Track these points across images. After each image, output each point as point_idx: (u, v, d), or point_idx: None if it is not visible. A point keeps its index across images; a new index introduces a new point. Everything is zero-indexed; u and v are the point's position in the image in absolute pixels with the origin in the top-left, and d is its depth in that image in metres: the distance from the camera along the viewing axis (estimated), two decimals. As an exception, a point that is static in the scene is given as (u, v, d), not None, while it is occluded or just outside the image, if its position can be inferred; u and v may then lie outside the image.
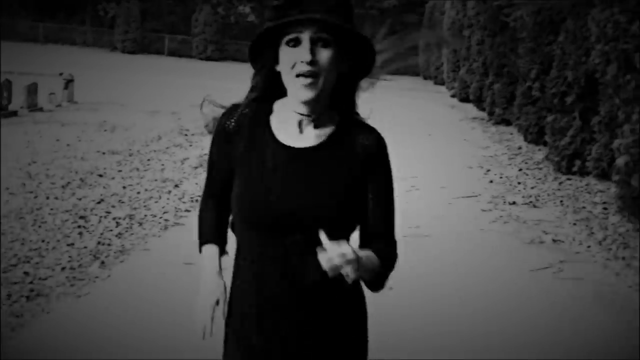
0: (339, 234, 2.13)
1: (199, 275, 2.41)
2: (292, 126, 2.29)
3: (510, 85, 19.14)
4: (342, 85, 2.29)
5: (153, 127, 15.66)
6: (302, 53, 2.18)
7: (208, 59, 59.88)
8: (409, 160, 12.00)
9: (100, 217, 7.80)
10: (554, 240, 7.92)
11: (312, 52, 2.18)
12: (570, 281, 6.56)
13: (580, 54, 11.73)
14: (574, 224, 8.70)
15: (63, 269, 6.06)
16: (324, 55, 2.19)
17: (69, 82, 20.30)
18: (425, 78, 47.10)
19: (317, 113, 2.27)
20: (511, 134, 17.58)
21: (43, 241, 6.78)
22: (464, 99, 26.84)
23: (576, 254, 7.46)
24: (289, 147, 2.28)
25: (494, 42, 20.64)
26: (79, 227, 7.37)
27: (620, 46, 8.41)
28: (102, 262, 6.32)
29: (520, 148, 15.28)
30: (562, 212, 9.32)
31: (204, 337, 2.33)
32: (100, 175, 10.12)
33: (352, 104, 2.35)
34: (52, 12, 60.66)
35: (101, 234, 7.16)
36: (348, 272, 2.03)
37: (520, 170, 12.54)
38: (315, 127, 2.28)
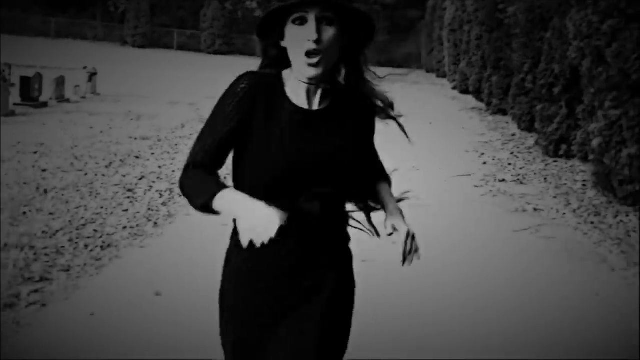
0: (349, 180, 2.51)
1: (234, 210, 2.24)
2: (300, 93, 2.49)
3: (506, 77, 20.32)
4: (344, 56, 2.51)
5: (175, 117, 16.94)
6: (309, 32, 2.36)
7: (216, 52, 60.91)
8: (411, 145, 13.24)
9: (145, 190, 9.10)
10: (535, 209, 9.23)
11: (318, 30, 2.37)
12: (545, 239, 7.85)
13: (564, 49, 12.95)
14: (554, 197, 10.00)
15: (124, 227, 7.36)
16: (329, 33, 2.39)
17: (92, 75, 21.60)
18: (428, 71, 48.21)
19: (322, 82, 2.49)
20: (507, 122, 18.79)
21: (102, 208, 8.07)
22: (464, 91, 28.07)
23: (552, 219, 8.76)
24: (304, 109, 2.48)
25: (491, 38, 21.81)
26: (129, 197, 8.67)
27: (594, 43, 9.68)
28: (155, 223, 7.63)
29: (513, 135, 16.55)
30: (545, 188, 10.61)
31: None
32: (137, 157, 11.41)
33: (358, 72, 2.56)
34: (64, 7, 61.62)
35: (149, 202, 8.45)
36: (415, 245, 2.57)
37: (512, 153, 13.83)
38: (320, 91, 2.51)
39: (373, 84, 2.59)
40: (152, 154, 11.85)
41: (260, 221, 2.14)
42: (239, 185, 2.43)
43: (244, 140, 2.43)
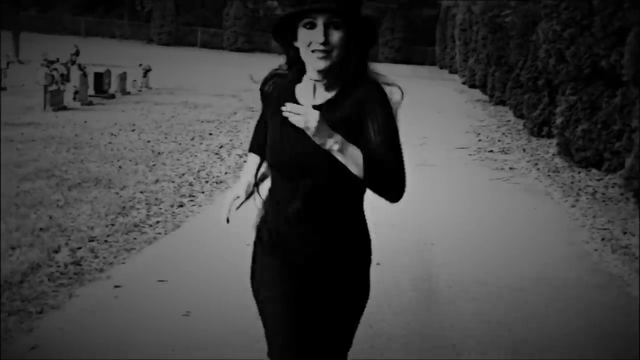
0: (340, 177, 2.74)
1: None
2: (308, 90, 2.84)
3: (507, 73, 23.60)
4: (350, 56, 2.76)
5: (225, 106, 20.35)
6: (317, 35, 2.67)
7: (238, 50, 63.75)
8: (423, 127, 16.64)
9: (228, 154, 12.49)
10: (510, 168, 12.60)
11: (326, 34, 2.67)
12: (513, 184, 11.24)
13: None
14: (528, 161, 13.38)
15: (226, 173, 10.74)
16: (336, 36, 2.68)
17: (147, 72, 24.98)
18: (441, 67, 51.30)
19: (328, 80, 2.79)
20: (505, 112, 22.10)
21: (204, 162, 11.47)
22: (472, 86, 31.36)
23: (522, 174, 12.15)
24: (302, 104, 2.75)
25: (494, 38, 25.07)
26: (218, 158, 12.05)
27: (557, 46, 13.01)
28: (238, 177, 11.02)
29: (509, 121, 19.89)
30: (523, 156, 13.98)
31: (227, 221, 2.98)
32: (210, 134, 14.81)
33: (363, 69, 2.82)
34: (93, 7, 64.76)
35: (235, 162, 11.81)
36: (310, 127, 2.61)
37: (503, 134, 17.20)
38: (326, 89, 2.81)
39: (376, 73, 2.88)
40: (220, 132, 15.25)
41: (233, 189, 3.08)
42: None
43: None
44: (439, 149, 14.39)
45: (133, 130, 14.59)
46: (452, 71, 44.00)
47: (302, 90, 2.87)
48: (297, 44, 2.76)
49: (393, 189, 2.74)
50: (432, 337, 5.19)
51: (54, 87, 17.91)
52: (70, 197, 8.59)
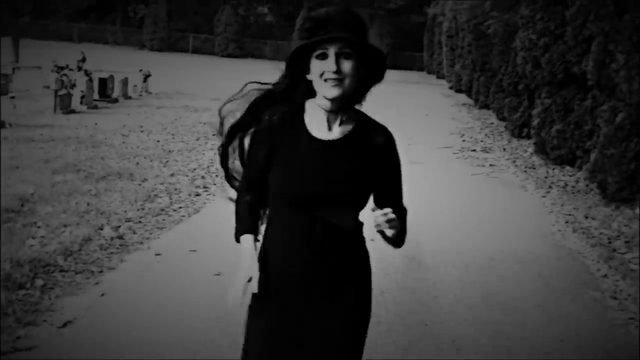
0: (352, 209, 2.87)
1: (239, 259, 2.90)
2: (321, 122, 2.88)
3: (491, 78, 24.85)
4: (363, 86, 2.88)
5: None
6: (329, 65, 2.76)
7: (229, 56, 64.92)
8: (411, 129, 17.86)
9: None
10: (490, 165, 13.83)
11: (337, 63, 2.76)
12: (491, 179, 12.45)
13: (522, 56, 17.51)
14: (507, 159, 14.60)
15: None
16: (347, 65, 2.78)
17: (147, 77, 26.11)
18: (429, 72, 52.66)
19: (341, 110, 2.86)
20: (489, 115, 23.33)
21: (211, 160, 12.62)
22: (458, 90, 32.67)
23: (500, 170, 13.35)
24: (319, 139, 2.86)
25: (478, 45, 26.31)
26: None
27: (533, 53, 14.24)
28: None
29: (492, 123, 21.12)
30: (502, 155, 15.21)
31: (238, 302, 2.85)
32: (213, 135, 15.93)
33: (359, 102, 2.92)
34: (86, 13, 65.69)
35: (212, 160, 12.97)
36: (388, 227, 2.72)
37: (485, 135, 18.43)
38: (341, 124, 2.88)
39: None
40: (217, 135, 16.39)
41: (242, 272, 2.86)
42: (269, 193, 2.92)
43: (272, 166, 2.87)
44: (426, 149, 15.58)
45: (142, 132, 15.74)
46: (440, 76, 45.31)
47: (314, 122, 2.90)
48: (309, 77, 2.84)
49: (403, 237, 2.93)
50: (417, 290, 6.37)
51: (63, 92, 19.03)
52: (100, 187, 9.74)
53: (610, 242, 8.38)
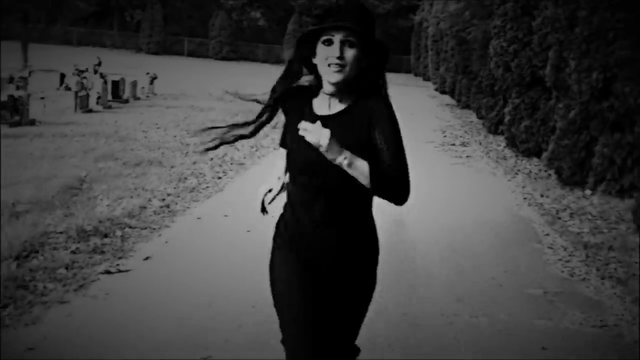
0: (350, 183, 3.08)
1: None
2: (324, 102, 3.20)
3: (472, 80, 26.87)
4: (364, 75, 3.15)
5: (226, 108, 23.43)
6: (334, 51, 3.02)
7: (223, 58, 66.88)
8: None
9: (242, 144, 15.61)
10: (467, 156, 15.85)
11: (341, 50, 3.02)
12: (467, 167, 14.46)
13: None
14: (482, 152, 16.63)
15: (244, 157, 13.86)
16: (350, 53, 3.03)
17: (153, 79, 28.05)
18: (416, 75, 54.78)
19: (341, 94, 3.14)
20: (470, 114, 25.38)
21: (225, 152, 14.57)
22: (443, 91, 34.72)
23: (475, 160, 15.37)
24: (317, 114, 3.17)
25: (460, 49, 28.33)
26: (235, 148, 15.14)
27: (504, 59, 16.27)
28: (258, 157, 14.13)
29: (471, 121, 23.17)
30: (478, 148, 17.24)
31: (264, 213, 3.44)
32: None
33: (376, 87, 3.19)
34: (84, 18, 67.42)
35: (249, 150, 14.93)
36: (322, 144, 2.92)
37: (465, 132, 20.47)
38: (340, 101, 3.17)
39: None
40: (230, 129, 18.35)
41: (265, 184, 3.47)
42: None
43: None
44: (410, 144, 17.37)
45: (158, 128, 17.69)
46: (426, 78, 47.39)
47: (319, 103, 3.21)
48: (315, 61, 3.12)
49: (398, 194, 3.10)
50: (400, 250, 8.34)
51: (83, 93, 20.97)
52: (137, 172, 11.69)
53: (557, 213, 10.39)
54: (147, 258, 7.07)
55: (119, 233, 7.76)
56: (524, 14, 16.19)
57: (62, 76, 28.17)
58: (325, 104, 3.18)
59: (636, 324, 5.96)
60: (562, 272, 7.50)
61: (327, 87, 3.13)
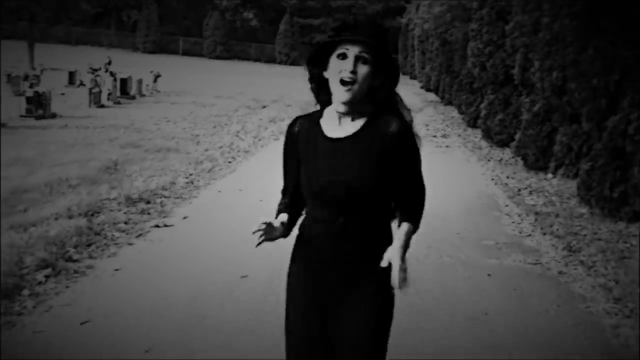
0: (369, 203, 3.06)
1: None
2: (334, 122, 3.11)
3: (454, 78, 28.79)
4: (376, 93, 3.07)
5: (227, 105, 25.33)
6: (347, 64, 2.98)
7: (217, 57, 68.71)
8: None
9: (245, 135, 17.47)
10: (447, 146, 17.75)
11: (355, 65, 2.98)
12: (446, 154, 16.35)
13: (476, 61, 21.44)
14: (460, 143, 18.54)
15: (249, 146, 15.72)
16: (363, 70, 2.99)
17: (157, 77, 29.86)
18: (403, 74, 56.12)
19: (353, 113, 3.07)
20: (452, 110, 27.27)
21: (233, 141, 16.41)
22: (428, 89, 36.68)
23: (453, 150, 17.28)
24: (330, 138, 3.10)
25: (443, 50, 30.27)
26: (239, 138, 17.01)
27: (480, 59, 18.18)
28: (260, 145, 15.99)
29: (453, 117, 25.07)
30: (457, 139, 19.15)
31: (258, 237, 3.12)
32: (226, 124, 19.78)
33: (388, 104, 3.10)
34: (83, 18, 68.94)
35: (252, 140, 16.78)
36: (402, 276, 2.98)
37: (446, 125, 22.38)
38: (352, 120, 3.09)
39: (403, 104, 3.17)
40: (232, 122, 20.24)
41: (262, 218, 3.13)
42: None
43: (300, 165, 3.19)
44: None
45: (168, 121, 19.54)
46: (413, 77, 49.23)
47: (327, 122, 3.14)
48: (326, 75, 3.07)
49: (419, 216, 3.27)
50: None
51: (96, 90, 22.81)
52: (159, 157, 13.54)
53: (519, 191, 12.29)
54: (185, 217, 8.94)
55: (158, 200, 9.64)
56: (498, 19, 18.10)
57: (71, 74, 29.99)
58: (334, 123, 3.12)
59: (562, 262, 7.87)
60: (513, 230, 9.40)
61: (338, 107, 3.08)
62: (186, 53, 70.15)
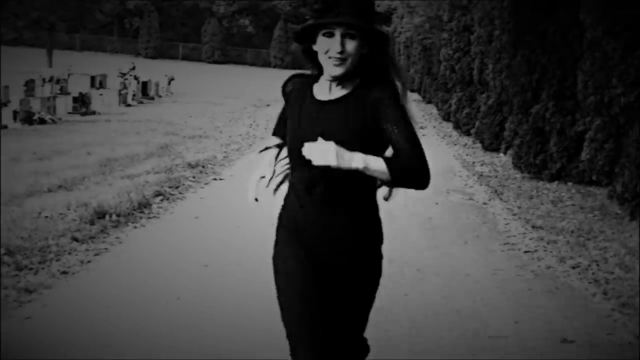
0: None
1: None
2: (324, 88, 3.16)
3: (434, 80, 32.64)
4: (365, 60, 3.08)
5: (234, 103, 29.14)
6: (335, 44, 2.98)
7: (215, 62, 72.19)
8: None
9: (257, 127, 21.25)
10: (423, 135, 21.26)
11: (342, 43, 2.98)
12: (422, 141, 20.12)
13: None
14: (434, 133, 22.36)
15: (255, 138, 19.56)
16: (351, 45, 3.00)
17: (171, 80, 33.66)
18: (391, 77, 60.15)
19: (343, 81, 3.10)
20: (432, 108, 31.10)
21: (247, 132, 20.18)
22: (412, 90, 40.44)
23: (428, 138, 21.10)
24: (318, 100, 3.16)
25: (425, 54, 34.15)
26: (252, 129, 20.77)
27: (450, 63, 22.06)
28: (262, 138, 19.80)
29: (432, 113, 28.92)
30: (432, 131, 22.99)
31: (256, 200, 3.33)
32: (238, 119, 23.54)
33: (381, 72, 3.11)
34: (87, 25, 72.23)
35: (264, 130, 20.57)
36: (330, 162, 2.88)
37: (425, 120, 26.23)
38: (342, 87, 3.12)
39: (397, 68, 3.16)
40: (243, 117, 24.03)
41: (256, 171, 3.45)
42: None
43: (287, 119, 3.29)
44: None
45: (190, 117, 23.33)
46: (398, 79, 52.63)
47: (319, 88, 3.19)
48: (315, 48, 3.08)
49: (419, 179, 3.12)
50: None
51: (124, 91, 26.64)
52: (194, 141, 17.31)
53: (473, 164, 16.11)
54: (231, 175, 12.76)
55: (209, 166, 13.44)
56: (464, 30, 21.95)
57: (92, 78, 33.76)
58: (325, 89, 3.14)
59: (488, 197, 11.72)
60: (464, 185, 13.25)
61: (329, 77, 3.09)
62: (185, 58, 73.64)
